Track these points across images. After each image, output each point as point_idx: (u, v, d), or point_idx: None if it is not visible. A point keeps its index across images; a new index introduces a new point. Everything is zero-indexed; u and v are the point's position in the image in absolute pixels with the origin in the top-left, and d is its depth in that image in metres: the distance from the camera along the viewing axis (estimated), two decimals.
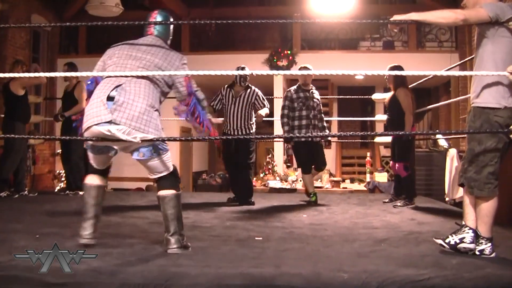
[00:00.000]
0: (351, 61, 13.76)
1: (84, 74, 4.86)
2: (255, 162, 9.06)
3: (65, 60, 13.25)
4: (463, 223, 4.53)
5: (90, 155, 4.76)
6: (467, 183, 4.49)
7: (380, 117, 10.27)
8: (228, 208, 7.65)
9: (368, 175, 14.18)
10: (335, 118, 15.03)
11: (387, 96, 8.54)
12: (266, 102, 8.45)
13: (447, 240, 4.52)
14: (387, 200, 8.41)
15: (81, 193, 9.22)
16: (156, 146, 4.56)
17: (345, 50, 15.37)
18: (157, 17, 4.99)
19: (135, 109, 4.33)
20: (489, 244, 4.42)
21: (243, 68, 8.06)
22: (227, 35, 16.53)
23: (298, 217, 6.77)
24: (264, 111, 8.43)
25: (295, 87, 8.49)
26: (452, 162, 9.01)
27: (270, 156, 14.57)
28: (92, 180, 4.77)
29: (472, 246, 4.43)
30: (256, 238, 5.17)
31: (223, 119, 8.51)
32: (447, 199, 9.09)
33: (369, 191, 12.79)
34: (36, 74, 5.85)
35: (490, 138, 4.36)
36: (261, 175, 14.22)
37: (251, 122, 8.36)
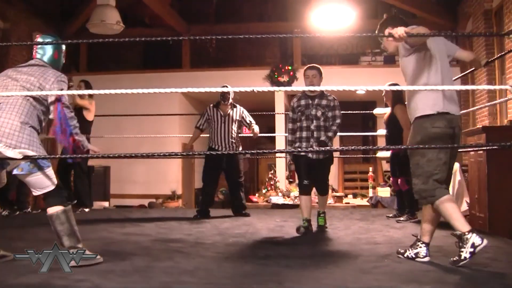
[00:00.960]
0: (352, 76, 13.78)
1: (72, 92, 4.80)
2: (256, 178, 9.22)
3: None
4: (419, 236, 4.77)
5: None
6: (419, 196, 4.70)
7: (382, 131, 10.26)
8: (230, 224, 7.63)
9: (370, 190, 14.14)
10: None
11: (387, 111, 8.55)
12: (251, 119, 8.91)
13: (405, 254, 4.79)
14: (391, 215, 8.40)
15: (86, 210, 9.26)
16: (35, 161, 4.55)
17: (345, 65, 15.41)
18: (39, 41, 5.07)
19: (6, 126, 4.45)
20: (471, 234, 4.40)
21: (225, 87, 8.22)
22: (228, 52, 16.58)
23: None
24: (256, 128, 8.78)
25: (300, 93, 7.40)
26: (455, 176, 8.99)
27: (272, 172, 14.56)
28: None
29: (426, 259, 4.69)
30: (259, 255, 5.15)
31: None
32: None
33: (371, 206, 12.75)
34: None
35: (432, 149, 4.55)
36: (263, 191, 14.19)
37: (238, 140, 8.84)
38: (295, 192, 13.32)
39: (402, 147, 6.27)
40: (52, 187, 4.62)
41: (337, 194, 14.24)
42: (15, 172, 4.56)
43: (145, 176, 14.23)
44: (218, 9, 16.71)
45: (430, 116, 4.59)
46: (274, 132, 13.65)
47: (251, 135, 8.89)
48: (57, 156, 5.90)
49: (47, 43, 5.03)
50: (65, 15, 14.70)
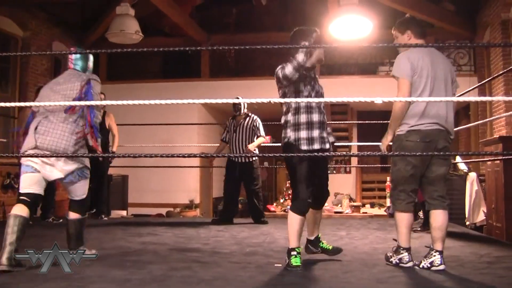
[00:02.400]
0: (370, 86, 13.77)
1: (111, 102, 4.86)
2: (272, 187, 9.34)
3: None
4: (431, 246, 4.91)
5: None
6: (390, 201, 5.10)
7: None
8: (248, 233, 7.65)
9: (388, 200, 14.10)
10: (355, 143, 14.99)
11: None
12: (261, 131, 8.98)
13: (389, 260, 5.04)
14: (418, 228, 8.26)
15: (105, 218, 9.33)
16: (82, 171, 5.08)
17: (364, 75, 15.39)
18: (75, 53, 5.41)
19: (61, 140, 4.87)
20: (406, 253, 4.92)
21: (237, 99, 8.50)
22: (247, 62, 16.62)
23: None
24: (256, 142, 8.93)
25: None
26: (472, 186, 8.98)
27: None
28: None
29: (410, 264, 4.90)
30: (276, 265, 5.16)
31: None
32: (467, 223, 9.05)
33: (389, 216, 12.70)
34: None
35: (401, 161, 4.96)
36: (281, 200, 14.20)
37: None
38: None
39: (417, 154, 6.29)
40: (85, 195, 5.16)
41: (355, 203, 14.22)
42: (69, 179, 4.98)
43: (163, 185, 14.26)
44: (238, 19, 16.78)
45: (407, 131, 4.94)
46: None
47: (269, 144, 9.08)
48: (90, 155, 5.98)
49: (70, 53, 5.30)
50: (85, 25, 14.83)
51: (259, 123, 9.04)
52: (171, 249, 6.12)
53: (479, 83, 9.33)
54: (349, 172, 15.61)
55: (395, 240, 5.05)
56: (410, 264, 4.86)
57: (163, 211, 13.80)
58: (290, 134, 5.13)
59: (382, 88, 13.36)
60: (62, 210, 12.07)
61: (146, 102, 4.54)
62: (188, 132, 13.96)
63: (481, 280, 4.37)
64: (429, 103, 4.82)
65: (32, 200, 4.84)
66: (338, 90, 13.24)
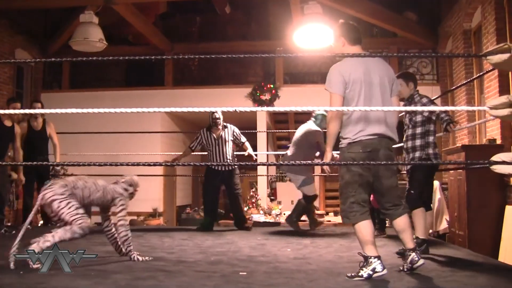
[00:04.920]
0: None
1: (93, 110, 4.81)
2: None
3: (48, 96, 13.30)
4: (365, 254, 4.87)
5: None
6: (340, 213, 5.10)
7: None
8: (212, 242, 7.64)
9: None
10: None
11: None
12: (243, 137, 9.46)
13: (359, 275, 4.79)
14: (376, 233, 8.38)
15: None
16: None
17: None
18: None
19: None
20: (378, 261, 4.77)
21: (214, 113, 9.07)
22: (211, 70, 16.61)
23: (282, 251, 6.77)
24: (251, 150, 9.47)
25: None
26: (435, 195, 9.07)
27: (253, 189, 14.56)
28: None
29: (385, 272, 4.75)
30: (241, 273, 5.16)
31: None
32: (430, 231, 9.13)
33: (353, 224, 12.76)
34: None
35: (347, 173, 4.97)
36: (245, 209, 14.19)
37: (234, 157, 9.37)
38: (276, 210, 13.34)
39: (380, 163, 6.34)
40: None
41: (319, 212, 14.27)
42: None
43: None
44: (201, 28, 16.75)
45: (348, 143, 4.98)
46: (256, 150, 13.68)
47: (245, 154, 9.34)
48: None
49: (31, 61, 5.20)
50: (48, 33, 14.71)
51: (238, 131, 9.41)
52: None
53: (442, 93, 9.45)
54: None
55: (361, 254, 4.90)
56: (384, 271, 4.73)
57: (126, 219, 13.67)
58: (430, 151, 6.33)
59: None
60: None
61: (111, 110, 4.53)
62: (152, 140, 13.89)
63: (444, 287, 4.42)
64: (365, 113, 4.86)
65: None
66: (302, 99, 13.33)
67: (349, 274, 4.85)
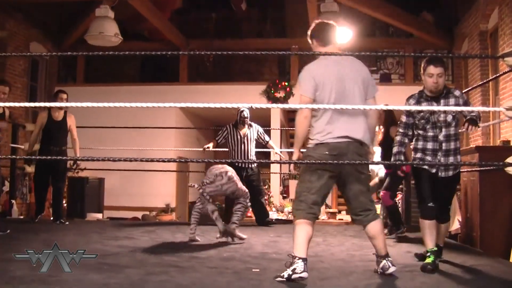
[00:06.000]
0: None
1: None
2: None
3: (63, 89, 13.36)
4: (293, 253, 4.71)
5: None
6: (292, 212, 5.03)
7: (374, 149, 10.31)
8: (224, 238, 7.63)
9: None
10: None
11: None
12: (267, 136, 9.75)
13: (282, 274, 4.63)
14: (385, 231, 8.36)
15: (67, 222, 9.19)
16: None
17: None
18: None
19: None
20: (301, 263, 4.57)
21: (242, 111, 9.31)
22: (225, 67, 16.64)
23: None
24: (277, 149, 10.01)
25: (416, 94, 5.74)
26: None
27: (266, 187, 14.56)
28: None
29: (304, 275, 4.54)
30: (253, 270, 5.16)
31: None
32: None
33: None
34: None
35: (305, 173, 4.90)
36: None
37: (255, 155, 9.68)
38: (288, 207, 13.33)
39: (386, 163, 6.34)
40: None
41: (331, 210, 14.27)
42: None
43: (139, 189, 14.19)
44: (217, 24, 16.78)
45: (315, 144, 4.88)
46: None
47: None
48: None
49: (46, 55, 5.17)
50: (64, 27, 14.75)
51: (262, 130, 9.69)
52: (148, 253, 6.09)
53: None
54: None
55: (290, 255, 4.71)
56: (304, 274, 4.52)
57: (139, 214, 13.74)
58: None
59: None
60: None
61: (125, 104, 4.53)
62: (165, 136, 13.91)
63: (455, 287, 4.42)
64: (334, 116, 4.77)
65: None
66: None
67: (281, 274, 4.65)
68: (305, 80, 4.90)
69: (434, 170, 5.51)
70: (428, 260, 5.29)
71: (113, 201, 13.47)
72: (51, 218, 9.44)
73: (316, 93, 4.82)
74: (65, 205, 11.21)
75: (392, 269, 4.80)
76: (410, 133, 5.77)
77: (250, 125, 9.51)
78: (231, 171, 7.34)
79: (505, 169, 4.62)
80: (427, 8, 14.15)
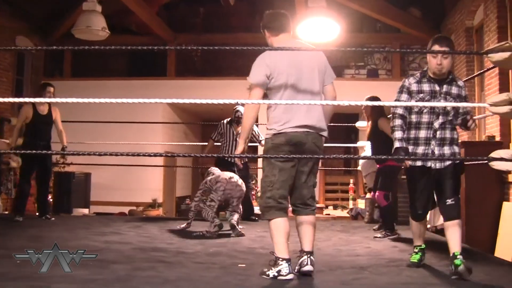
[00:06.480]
0: (335, 88, 13.82)
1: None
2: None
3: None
4: (275, 254, 4.61)
5: None
6: (260, 210, 4.88)
7: (362, 143, 10.36)
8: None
9: (351, 202, 14.22)
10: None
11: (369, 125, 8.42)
12: (262, 135, 9.40)
13: (266, 274, 4.56)
14: (376, 227, 8.36)
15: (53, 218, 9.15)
16: None
17: None
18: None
19: None
20: (285, 264, 4.50)
21: (237, 111, 9.32)
22: (213, 61, 16.61)
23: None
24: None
25: (420, 73, 5.27)
26: None
27: (253, 182, 14.57)
28: None
29: (290, 276, 4.48)
30: (240, 265, 5.18)
31: None
32: (428, 226, 9.13)
33: (352, 218, 12.81)
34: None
35: (267, 167, 4.76)
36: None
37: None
38: None
39: (376, 157, 6.34)
40: None
41: (318, 205, 14.26)
42: None
43: (126, 184, 14.15)
44: (205, 19, 16.75)
45: (273, 134, 4.76)
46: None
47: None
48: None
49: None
50: (51, 20, 14.67)
51: (257, 129, 9.67)
52: (135, 248, 6.10)
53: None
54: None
55: (273, 253, 4.63)
56: (290, 276, 4.47)
57: (126, 209, 13.71)
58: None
59: (347, 90, 13.44)
60: None
61: (112, 100, 4.52)
62: (153, 130, 13.88)
63: (442, 282, 4.44)
64: (291, 106, 4.68)
65: None
66: None
67: (264, 269, 4.61)
68: (256, 69, 4.87)
69: (429, 164, 5.01)
70: (416, 256, 5.24)
71: (100, 196, 13.44)
72: (37, 214, 9.40)
73: (271, 81, 4.75)
74: (51, 200, 11.17)
75: (308, 268, 4.62)
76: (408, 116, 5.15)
77: None
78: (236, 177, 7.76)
79: (490, 163, 4.64)
80: (415, 3, 14.18)
